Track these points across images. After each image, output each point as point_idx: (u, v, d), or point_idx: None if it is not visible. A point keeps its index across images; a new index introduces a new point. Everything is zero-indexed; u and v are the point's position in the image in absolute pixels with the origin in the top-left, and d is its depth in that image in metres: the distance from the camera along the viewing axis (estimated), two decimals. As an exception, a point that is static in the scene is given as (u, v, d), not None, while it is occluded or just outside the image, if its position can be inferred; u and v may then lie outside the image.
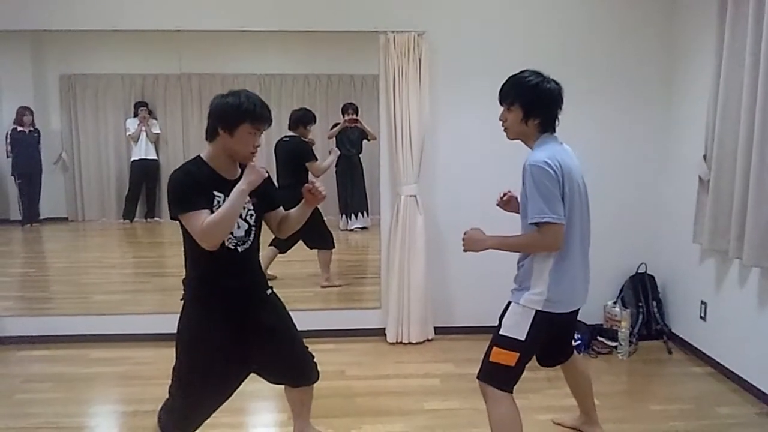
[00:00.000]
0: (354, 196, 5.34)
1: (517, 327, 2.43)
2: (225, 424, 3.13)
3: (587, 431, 3.03)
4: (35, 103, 5.39)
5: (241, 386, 3.55)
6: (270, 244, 4.58)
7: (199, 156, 2.35)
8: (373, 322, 4.39)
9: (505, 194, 2.76)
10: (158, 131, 5.43)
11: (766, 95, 3.15)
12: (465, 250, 2.52)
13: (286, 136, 4.78)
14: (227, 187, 2.27)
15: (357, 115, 5.09)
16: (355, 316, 4.47)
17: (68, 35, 4.16)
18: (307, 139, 4.78)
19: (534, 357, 2.65)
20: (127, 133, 5.44)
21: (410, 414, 3.22)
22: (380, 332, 4.34)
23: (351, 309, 4.65)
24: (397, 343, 4.24)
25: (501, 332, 2.47)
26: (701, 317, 3.94)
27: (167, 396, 2.49)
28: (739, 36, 3.41)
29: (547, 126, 2.47)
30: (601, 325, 4.23)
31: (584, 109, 4.22)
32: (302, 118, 4.76)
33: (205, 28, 4.09)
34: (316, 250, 4.88)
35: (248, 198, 2.31)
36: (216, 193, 2.28)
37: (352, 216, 5.39)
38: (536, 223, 2.31)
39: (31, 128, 5.32)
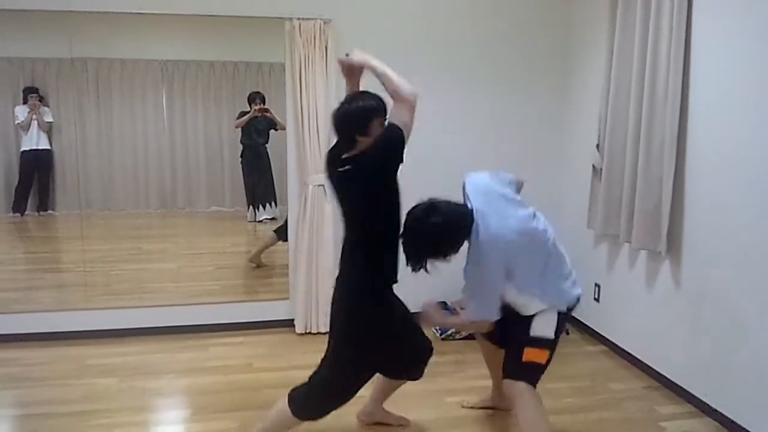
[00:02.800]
0: (261, 186, 5.25)
1: (547, 327, 2.57)
2: (127, 422, 3.02)
3: (503, 406, 3.14)
4: None
5: (143, 383, 3.48)
6: (275, 230, 4.82)
7: None
8: (282, 313, 4.35)
9: None
10: (51, 120, 5.11)
11: (652, 90, 3.35)
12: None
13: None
14: None
15: (264, 104, 5.00)
16: (263, 308, 4.40)
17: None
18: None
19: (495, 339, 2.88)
20: (16, 122, 5.08)
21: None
22: (289, 323, 4.30)
23: (259, 301, 4.57)
24: (305, 333, 4.22)
25: (532, 334, 2.56)
26: (595, 299, 4.17)
27: (311, 379, 2.58)
28: (628, 34, 3.61)
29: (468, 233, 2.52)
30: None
31: (483, 99, 4.38)
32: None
33: (95, 9, 3.87)
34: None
35: None
36: None
37: (260, 207, 5.30)
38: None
39: None
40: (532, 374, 2.57)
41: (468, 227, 2.46)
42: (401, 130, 2.31)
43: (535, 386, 2.56)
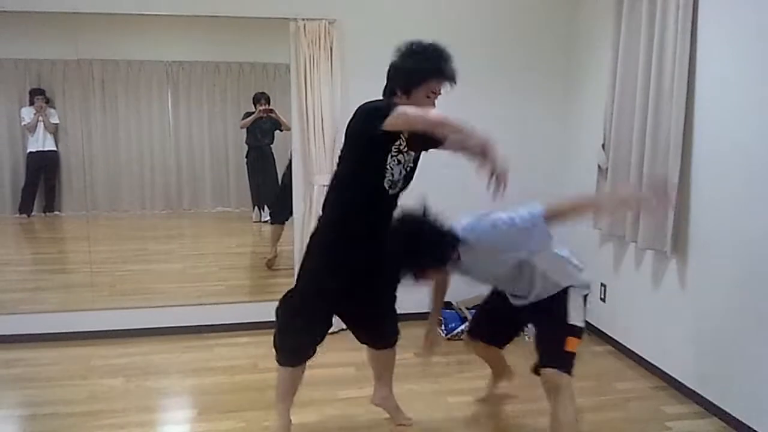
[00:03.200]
0: (266, 187, 5.26)
1: (580, 315, 2.60)
2: (133, 422, 3.03)
3: (497, 391, 3.23)
4: None
5: (149, 383, 3.49)
6: (270, 222, 5.00)
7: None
8: (288, 313, 4.35)
9: None
10: (57, 121, 5.12)
11: (658, 89, 3.34)
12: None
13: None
14: None
15: (269, 105, 5.01)
16: (268, 308, 4.37)
17: (-49, 15, 3.84)
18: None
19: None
20: (23, 123, 5.10)
21: (324, 403, 3.22)
22: (295, 324, 4.30)
23: (264, 301, 4.56)
24: (311, 333, 4.23)
25: (571, 322, 2.57)
26: (601, 299, 4.15)
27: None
28: (633, 33, 3.60)
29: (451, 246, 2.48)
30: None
31: (487, 98, 4.36)
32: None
33: (101, 10, 3.89)
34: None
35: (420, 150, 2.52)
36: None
37: (265, 207, 5.31)
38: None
39: None
40: (572, 364, 2.57)
41: (452, 239, 2.39)
42: (374, 120, 2.33)
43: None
